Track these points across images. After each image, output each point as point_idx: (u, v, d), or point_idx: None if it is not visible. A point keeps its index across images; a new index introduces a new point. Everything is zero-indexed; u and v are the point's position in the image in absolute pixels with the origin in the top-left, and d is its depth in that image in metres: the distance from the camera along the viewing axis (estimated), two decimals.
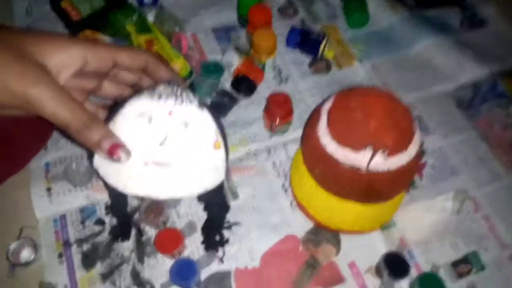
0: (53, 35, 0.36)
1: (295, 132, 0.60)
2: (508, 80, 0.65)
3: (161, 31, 0.61)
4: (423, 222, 0.53)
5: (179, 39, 0.63)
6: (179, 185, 0.38)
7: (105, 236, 0.52)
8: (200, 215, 0.53)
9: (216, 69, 0.63)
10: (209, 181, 0.39)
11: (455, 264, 0.50)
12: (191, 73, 0.57)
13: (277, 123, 0.58)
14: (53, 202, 0.54)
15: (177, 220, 0.53)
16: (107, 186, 0.39)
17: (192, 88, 0.60)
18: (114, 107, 0.38)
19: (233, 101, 0.62)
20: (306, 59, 0.67)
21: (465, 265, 0.50)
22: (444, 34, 0.69)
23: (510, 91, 0.64)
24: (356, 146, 0.41)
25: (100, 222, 0.53)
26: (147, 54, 0.40)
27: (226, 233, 0.52)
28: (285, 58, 0.67)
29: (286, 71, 0.66)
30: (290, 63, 0.67)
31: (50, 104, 0.32)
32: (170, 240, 0.48)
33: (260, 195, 0.55)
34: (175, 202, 0.54)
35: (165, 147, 0.36)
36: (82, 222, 0.53)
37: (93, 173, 0.55)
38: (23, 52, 0.33)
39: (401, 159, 0.41)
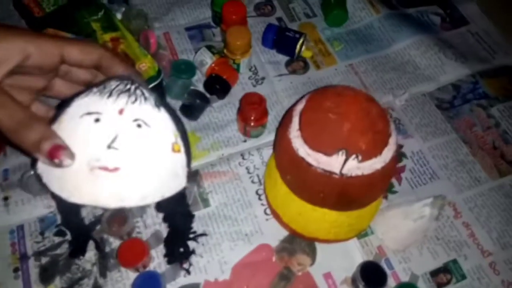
0: None
1: (270, 135, 0.58)
2: (489, 81, 0.64)
3: (128, 29, 0.58)
4: (401, 229, 0.50)
5: (147, 37, 0.60)
6: (132, 192, 0.33)
7: (65, 248, 0.48)
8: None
9: (187, 68, 0.60)
10: (167, 188, 0.35)
11: (434, 273, 0.48)
12: (159, 72, 0.54)
13: (251, 125, 0.55)
14: (10, 212, 0.50)
15: (143, 230, 0.50)
16: (53, 195, 0.34)
17: (162, 88, 0.57)
18: (60, 106, 0.34)
19: (205, 102, 0.59)
20: (283, 58, 0.65)
21: (444, 274, 0.48)
22: (425, 33, 0.68)
23: (492, 91, 0.62)
24: (329, 150, 0.39)
25: (61, 233, 0.49)
26: (100, 48, 0.35)
27: (194, 244, 0.49)
28: (261, 57, 0.65)
29: (262, 71, 0.63)
30: (266, 63, 0.64)
31: None
32: (134, 252, 0.45)
33: (233, 202, 0.52)
34: (141, 211, 0.51)
35: (113, 150, 0.31)
36: (42, 233, 0.49)
37: None
38: None
39: (376, 163, 0.39)
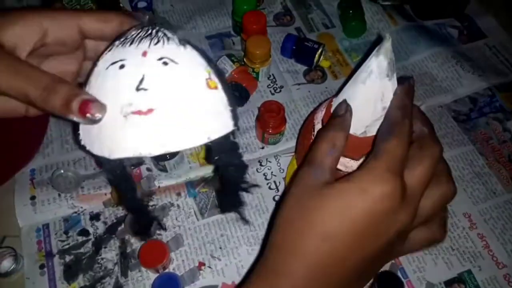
0: (6, 11, 0.31)
1: (288, 142, 0.59)
2: (506, 94, 0.64)
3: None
4: (356, 104, 0.46)
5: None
6: (173, 135, 0.30)
7: (88, 247, 0.50)
8: (187, 227, 0.52)
9: None
10: (212, 129, 0.31)
11: (449, 283, 0.49)
12: None
13: (269, 132, 0.57)
14: (37, 210, 0.52)
15: (164, 232, 0.51)
16: (105, 168, 0.32)
17: None
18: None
19: None
20: (301, 68, 0.66)
21: (458, 285, 0.49)
22: (443, 45, 0.68)
23: (508, 105, 0.63)
24: (356, 154, 0.39)
25: (84, 232, 0.51)
26: (119, 14, 0.33)
27: (213, 246, 0.50)
28: (279, 66, 0.66)
29: (280, 80, 0.65)
30: (284, 71, 0.66)
31: (6, 77, 0.28)
32: (154, 254, 0.46)
33: (250, 208, 0.53)
34: (162, 214, 0.52)
35: (143, 91, 0.29)
36: (66, 232, 0.51)
37: (80, 181, 0.54)
38: None
39: None
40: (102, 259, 0.49)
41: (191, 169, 0.56)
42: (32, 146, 0.57)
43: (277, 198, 0.54)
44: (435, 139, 0.34)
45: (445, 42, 0.69)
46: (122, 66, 0.30)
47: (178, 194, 0.54)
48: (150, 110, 0.29)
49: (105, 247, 0.50)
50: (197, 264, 0.49)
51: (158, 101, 0.29)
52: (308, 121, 0.47)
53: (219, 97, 0.32)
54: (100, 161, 0.31)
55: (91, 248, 0.50)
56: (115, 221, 0.52)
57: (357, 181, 0.31)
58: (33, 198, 0.53)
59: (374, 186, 0.30)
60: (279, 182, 0.56)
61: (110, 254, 0.50)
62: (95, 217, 0.52)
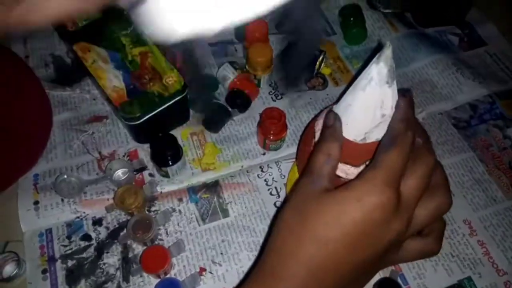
0: None
1: (289, 149, 0.59)
2: (506, 101, 0.64)
3: (156, 44, 0.61)
4: (356, 111, 0.44)
5: (173, 52, 0.63)
6: None
7: (90, 252, 0.50)
8: (188, 233, 0.52)
9: (210, 83, 0.62)
10: None
11: None
12: (184, 86, 0.56)
13: (271, 138, 0.57)
14: (40, 215, 0.53)
15: (165, 238, 0.52)
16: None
17: (187, 101, 0.59)
18: None
19: (227, 116, 0.61)
20: (303, 75, 0.67)
21: None
22: (443, 52, 0.69)
23: (509, 112, 0.63)
24: (356, 161, 0.40)
25: (87, 237, 0.52)
26: None
27: (214, 252, 0.51)
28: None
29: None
30: None
31: None
32: (156, 259, 0.47)
33: (251, 213, 0.54)
34: (164, 220, 0.53)
35: None
36: (69, 237, 0.51)
37: (83, 186, 0.55)
38: None
39: None
40: (104, 264, 0.50)
41: (193, 175, 0.57)
42: (35, 151, 0.57)
43: (278, 204, 0.55)
44: (429, 150, 0.35)
45: (446, 49, 0.70)
46: None
47: (180, 200, 0.54)
48: None
49: (107, 252, 0.50)
50: (198, 270, 0.50)
51: None
52: (309, 128, 0.47)
53: None
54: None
55: (93, 253, 0.50)
56: (117, 226, 0.52)
57: (353, 190, 0.32)
58: (36, 203, 0.54)
59: (369, 196, 0.31)
60: (280, 188, 0.56)
61: (112, 259, 0.50)
62: (97, 222, 0.53)
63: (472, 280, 0.50)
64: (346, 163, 0.40)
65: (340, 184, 0.40)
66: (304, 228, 0.33)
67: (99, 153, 0.58)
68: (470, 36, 0.72)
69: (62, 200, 0.54)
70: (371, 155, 0.39)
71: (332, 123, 0.38)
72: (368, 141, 0.38)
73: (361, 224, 0.31)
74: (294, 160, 0.58)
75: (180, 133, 0.60)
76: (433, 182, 0.35)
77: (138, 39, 0.60)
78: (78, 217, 0.53)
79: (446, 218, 0.53)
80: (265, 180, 0.57)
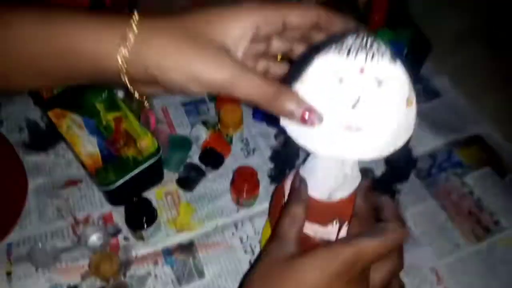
0: (215, 9, 0.32)
1: (262, 205, 0.61)
2: (463, 149, 0.69)
3: (130, 108, 0.63)
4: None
5: (147, 115, 0.65)
6: (370, 148, 0.34)
7: None
8: None
9: (184, 143, 0.65)
10: (399, 141, 0.34)
11: None
12: (158, 149, 0.58)
13: (243, 196, 0.59)
14: (13, 286, 0.52)
15: None
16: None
17: (161, 162, 0.61)
18: (298, 64, 0.34)
19: (201, 174, 0.63)
20: (273, 130, 0.70)
21: None
22: None
23: (465, 160, 0.68)
24: (323, 220, 0.42)
25: None
26: (317, 9, 0.35)
27: None
28: (252, 130, 0.70)
29: (253, 143, 0.68)
30: (257, 135, 0.69)
31: (238, 87, 0.30)
32: None
33: (227, 273, 0.55)
34: (141, 285, 0.53)
35: (357, 109, 0.32)
36: None
37: (58, 254, 0.55)
38: (197, 33, 0.31)
39: None
40: None
41: (168, 236, 0.58)
42: (9, 220, 0.57)
43: (252, 261, 0.56)
44: (401, 255, 0.39)
45: None
46: (341, 80, 0.32)
47: (155, 263, 0.55)
48: (358, 129, 0.33)
49: None
50: None
51: (366, 120, 0.33)
52: (279, 187, 0.49)
53: (412, 113, 0.34)
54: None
55: None
56: None
57: (317, 258, 0.34)
58: (9, 274, 0.53)
59: (329, 266, 0.33)
60: (255, 246, 0.57)
61: None
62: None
63: None
64: (314, 222, 0.43)
65: (309, 244, 0.42)
66: None
67: (74, 218, 0.58)
68: (425, 89, 0.77)
69: (36, 269, 0.53)
70: (337, 214, 0.42)
71: (298, 187, 0.40)
72: (333, 199, 0.41)
73: None
74: (267, 216, 0.60)
75: (154, 193, 0.62)
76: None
77: (112, 105, 0.62)
78: (53, 286, 0.53)
79: (414, 268, 0.56)
80: (240, 238, 0.58)
